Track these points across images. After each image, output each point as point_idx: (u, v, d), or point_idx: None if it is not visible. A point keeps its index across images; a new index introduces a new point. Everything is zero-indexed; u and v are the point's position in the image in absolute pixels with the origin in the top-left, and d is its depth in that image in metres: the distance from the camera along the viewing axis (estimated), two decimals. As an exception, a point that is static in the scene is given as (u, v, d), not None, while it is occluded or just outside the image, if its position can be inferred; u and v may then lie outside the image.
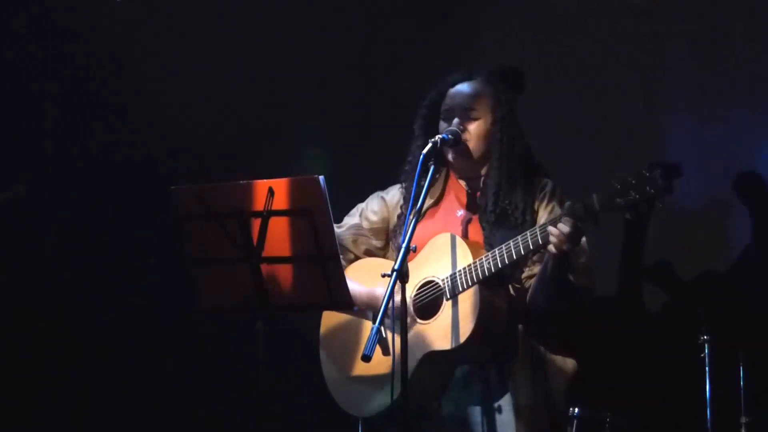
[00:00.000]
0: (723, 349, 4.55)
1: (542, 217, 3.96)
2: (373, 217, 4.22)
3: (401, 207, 4.14)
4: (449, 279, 3.89)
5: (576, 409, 4.35)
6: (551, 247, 3.70)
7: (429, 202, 4.11)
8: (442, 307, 3.90)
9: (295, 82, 5.81)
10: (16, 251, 5.56)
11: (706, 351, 4.54)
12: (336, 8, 5.74)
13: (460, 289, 3.86)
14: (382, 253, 4.21)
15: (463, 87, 4.09)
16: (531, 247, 3.75)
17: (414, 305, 3.94)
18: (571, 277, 3.83)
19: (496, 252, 3.80)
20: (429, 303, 3.94)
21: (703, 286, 4.98)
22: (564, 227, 3.66)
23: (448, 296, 3.88)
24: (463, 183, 4.15)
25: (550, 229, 3.68)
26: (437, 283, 3.92)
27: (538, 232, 3.74)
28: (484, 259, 3.82)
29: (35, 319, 5.63)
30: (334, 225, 4.18)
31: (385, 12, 5.70)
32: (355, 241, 4.22)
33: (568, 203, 3.77)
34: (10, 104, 5.61)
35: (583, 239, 3.88)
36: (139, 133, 5.78)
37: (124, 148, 5.76)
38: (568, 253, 3.72)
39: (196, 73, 5.74)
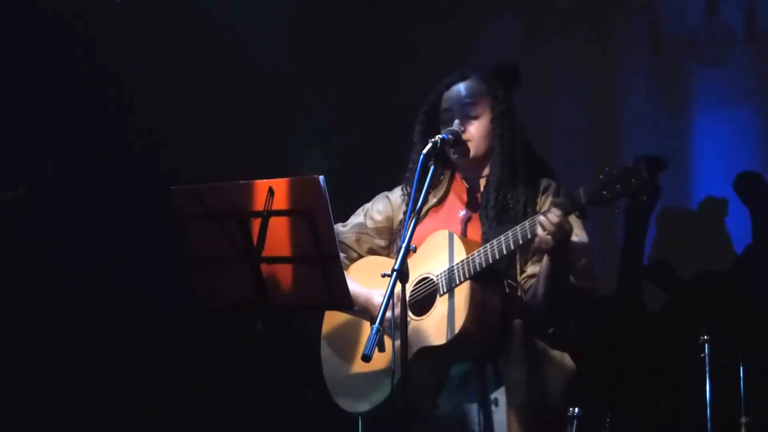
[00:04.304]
0: (723, 349, 4.55)
1: (540, 216, 3.96)
2: (378, 216, 4.22)
3: (404, 212, 4.14)
4: (443, 275, 3.89)
5: (576, 409, 4.35)
6: (539, 240, 3.69)
7: (432, 201, 4.12)
8: (435, 303, 3.90)
9: (296, 82, 5.81)
10: (16, 251, 5.56)
11: (706, 351, 4.55)
12: (336, 9, 5.75)
13: (453, 284, 3.86)
14: (385, 252, 4.21)
15: (460, 87, 4.09)
16: (520, 240, 3.75)
17: (409, 302, 3.94)
18: (572, 279, 3.83)
19: (488, 247, 3.80)
20: (423, 299, 3.95)
21: (703, 286, 4.99)
22: (552, 217, 3.65)
23: (442, 292, 3.89)
24: (466, 182, 4.15)
25: (539, 218, 3.68)
26: (432, 280, 3.93)
27: (527, 225, 3.74)
28: (476, 255, 3.82)
29: (36, 319, 5.63)
30: (340, 224, 4.19)
31: (385, 13, 5.70)
32: (358, 240, 4.22)
33: (553, 198, 3.78)
34: (10, 104, 5.61)
35: (587, 240, 3.88)
36: (139, 133, 5.78)
37: (124, 148, 5.76)
38: (563, 249, 3.71)
39: (196, 73, 5.74)
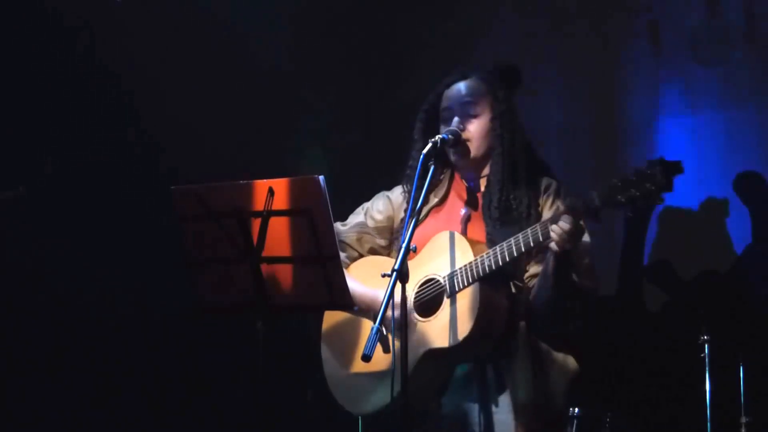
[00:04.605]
0: (723, 349, 4.55)
1: (546, 216, 3.96)
2: (378, 216, 4.22)
3: (405, 211, 4.13)
4: (450, 277, 3.89)
5: (576, 409, 4.35)
6: (552, 245, 3.70)
7: (434, 201, 4.11)
8: (442, 305, 3.90)
9: (296, 82, 5.81)
10: (16, 251, 5.56)
11: (706, 351, 4.55)
12: (336, 9, 5.75)
13: (461, 286, 3.85)
14: (386, 251, 4.21)
15: (460, 86, 4.09)
16: (531, 244, 3.75)
17: (415, 303, 3.94)
18: (574, 277, 3.82)
19: (497, 249, 3.80)
20: (430, 300, 3.94)
21: (703, 286, 4.99)
22: (565, 225, 3.66)
23: (449, 294, 3.88)
24: (465, 182, 4.15)
25: (552, 227, 3.68)
26: (438, 281, 3.92)
27: (539, 229, 3.74)
28: (485, 257, 3.82)
29: (36, 319, 5.63)
30: (339, 223, 4.18)
31: (385, 13, 5.70)
32: (359, 240, 4.21)
33: (568, 199, 3.77)
34: (10, 104, 5.61)
35: (588, 240, 3.88)
36: (139, 133, 5.78)
37: (124, 148, 5.76)
38: (570, 252, 3.72)
39: (196, 73, 5.74)
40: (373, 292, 3.96)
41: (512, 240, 3.77)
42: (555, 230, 3.67)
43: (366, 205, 4.28)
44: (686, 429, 4.77)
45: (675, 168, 3.51)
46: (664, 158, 3.51)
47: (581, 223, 3.73)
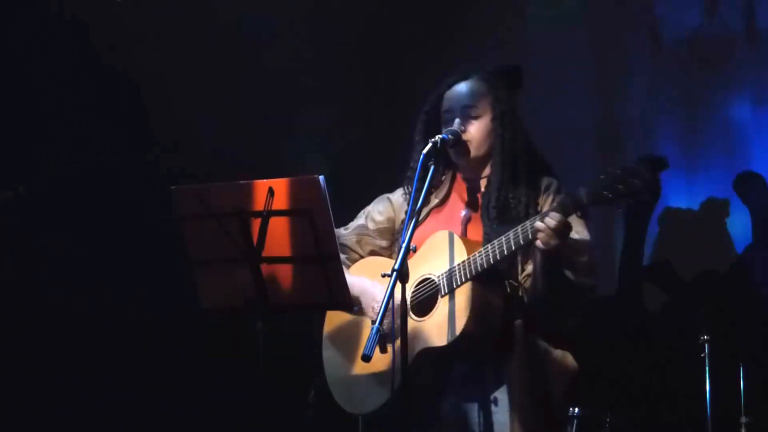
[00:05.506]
0: (723, 349, 4.55)
1: (544, 215, 3.96)
2: (379, 217, 4.22)
3: (406, 212, 4.13)
4: (444, 276, 3.89)
5: (576, 409, 4.35)
6: (538, 243, 3.70)
7: (435, 201, 4.11)
8: (437, 305, 3.90)
9: (296, 82, 5.81)
10: (16, 251, 5.56)
11: (706, 351, 4.55)
12: (337, 9, 5.75)
13: (455, 285, 3.86)
14: (387, 252, 4.21)
15: (461, 87, 4.09)
16: (522, 241, 3.75)
17: (411, 303, 3.94)
18: (571, 276, 3.82)
19: (489, 247, 3.80)
20: (425, 300, 3.94)
21: (703, 286, 4.99)
22: (550, 221, 3.66)
23: (443, 293, 3.89)
24: (466, 182, 4.15)
25: (537, 224, 3.68)
26: (433, 280, 3.93)
27: (528, 227, 3.74)
28: (477, 255, 3.82)
29: (36, 319, 5.63)
30: (341, 228, 4.18)
31: (386, 12, 5.70)
32: (359, 242, 4.21)
33: (557, 197, 3.78)
34: (10, 104, 5.61)
35: (588, 238, 3.88)
36: (139, 132, 5.78)
37: (124, 149, 5.76)
38: (558, 249, 3.72)
39: (196, 73, 5.74)
40: (365, 280, 3.96)
41: (503, 238, 3.78)
42: (540, 227, 3.68)
43: (367, 208, 4.28)
44: (686, 429, 4.77)
45: (660, 164, 3.52)
46: (650, 155, 3.53)
47: (574, 219, 3.73)
